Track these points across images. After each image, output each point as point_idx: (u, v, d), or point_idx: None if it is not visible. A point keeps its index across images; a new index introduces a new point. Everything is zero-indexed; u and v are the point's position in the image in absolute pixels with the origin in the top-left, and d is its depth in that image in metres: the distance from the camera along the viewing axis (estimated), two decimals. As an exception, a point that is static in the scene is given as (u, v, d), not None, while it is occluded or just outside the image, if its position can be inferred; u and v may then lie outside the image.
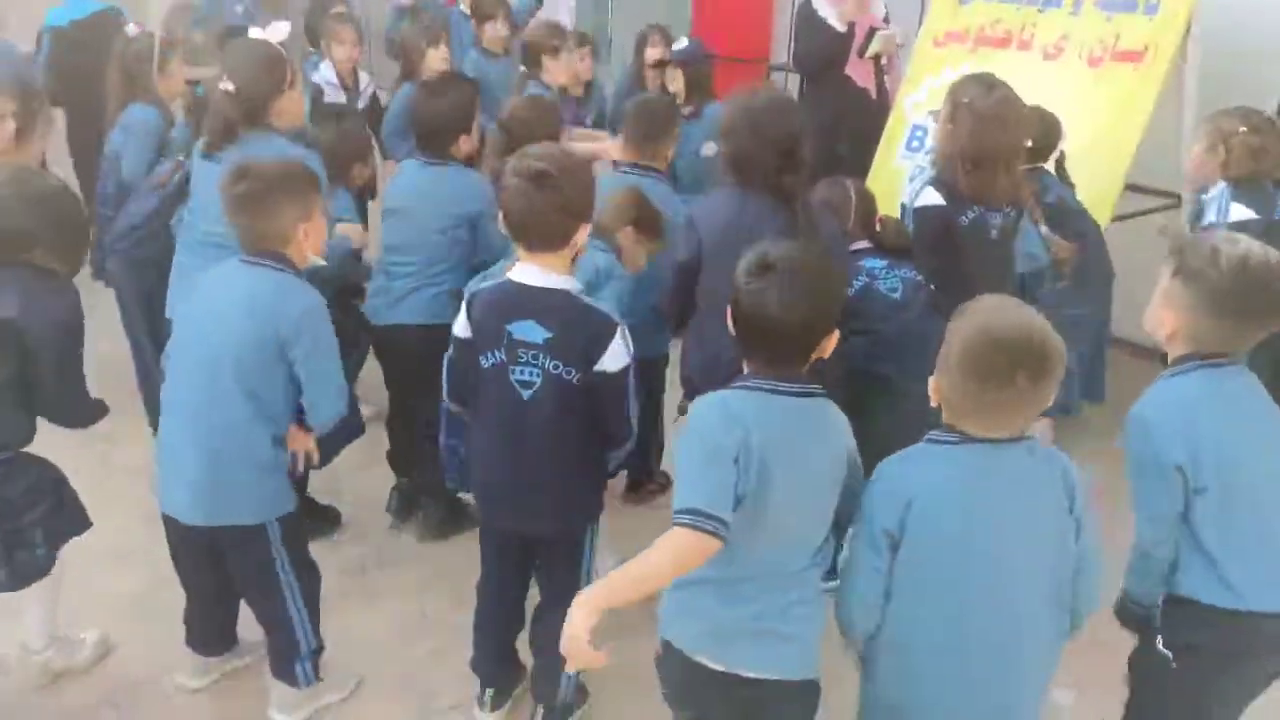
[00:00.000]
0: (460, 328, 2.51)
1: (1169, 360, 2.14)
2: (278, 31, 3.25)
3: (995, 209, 3.15)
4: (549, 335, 2.39)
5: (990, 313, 1.87)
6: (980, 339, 1.82)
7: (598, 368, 2.40)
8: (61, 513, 2.77)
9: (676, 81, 4.81)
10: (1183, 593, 2.13)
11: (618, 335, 2.41)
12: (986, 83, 3.09)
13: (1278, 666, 2.18)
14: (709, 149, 4.50)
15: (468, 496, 3.56)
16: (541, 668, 2.79)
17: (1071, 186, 4.10)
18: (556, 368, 2.41)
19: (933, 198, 3.14)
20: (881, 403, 2.97)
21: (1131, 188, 4.41)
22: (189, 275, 3.10)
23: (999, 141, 3.06)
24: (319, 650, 2.81)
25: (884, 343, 3.08)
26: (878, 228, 3.44)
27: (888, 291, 3.20)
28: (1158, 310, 2.13)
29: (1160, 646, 2.17)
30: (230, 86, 3.10)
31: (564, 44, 4.87)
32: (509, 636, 2.86)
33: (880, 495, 1.93)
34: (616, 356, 2.41)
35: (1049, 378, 1.80)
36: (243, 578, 2.74)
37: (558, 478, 2.53)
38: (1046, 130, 3.85)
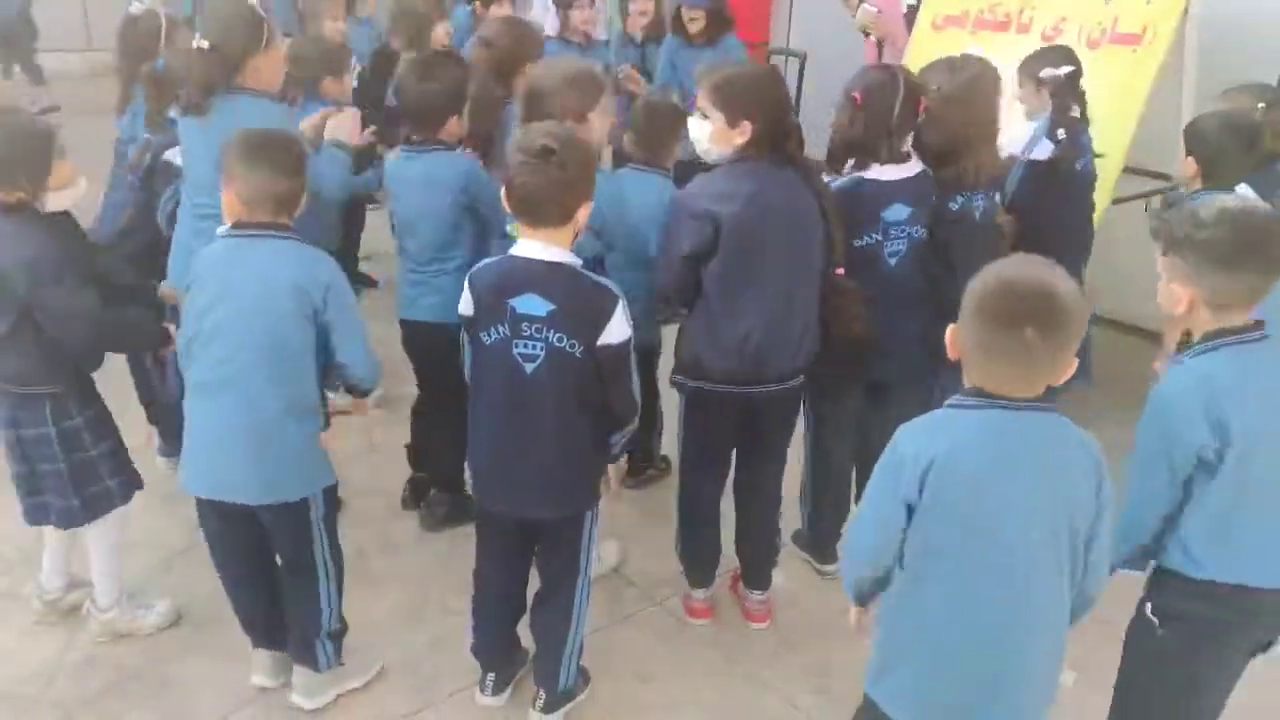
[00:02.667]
0: (465, 305, 2.53)
1: (1196, 338, 2.14)
2: None
3: (978, 192, 3.18)
4: (552, 308, 2.42)
5: (1013, 264, 1.90)
6: (996, 285, 1.84)
7: (601, 340, 2.44)
8: (124, 453, 2.87)
9: (698, 22, 4.81)
10: (1173, 566, 2.16)
11: (619, 307, 2.45)
12: (953, 66, 3.14)
13: (1267, 636, 2.22)
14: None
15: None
16: (543, 653, 2.79)
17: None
18: (560, 340, 2.43)
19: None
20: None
21: (1130, 170, 4.41)
22: (188, 250, 3.03)
23: (968, 124, 3.09)
24: (342, 631, 2.82)
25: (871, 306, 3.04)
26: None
27: (888, 256, 3.06)
28: (1168, 288, 2.14)
29: (1148, 613, 2.22)
30: (205, 44, 3.03)
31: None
32: (509, 623, 2.87)
33: (896, 464, 1.92)
34: (619, 328, 2.45)
35: (1060, 334, 1.80)
36: (282, 555, 2.74)
37: (560, 459, 2.54)
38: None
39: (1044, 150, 3.70)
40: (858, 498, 3.47)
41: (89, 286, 2.71)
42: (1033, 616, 1.92)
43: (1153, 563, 2.23)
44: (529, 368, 2.46)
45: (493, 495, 2.67)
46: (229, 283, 2.52)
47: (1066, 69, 3.76)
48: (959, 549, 1.90)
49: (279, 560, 2.76)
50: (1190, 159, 3.19)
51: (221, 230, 2.57)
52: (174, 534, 3.54)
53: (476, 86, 3.39)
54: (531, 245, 2.45)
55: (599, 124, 3.07)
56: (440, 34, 4.87)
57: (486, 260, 2.57)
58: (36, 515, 2.94)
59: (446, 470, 3.60)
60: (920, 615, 1.98)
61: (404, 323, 3.47)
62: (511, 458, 2.56)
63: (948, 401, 1.94)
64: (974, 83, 3.11)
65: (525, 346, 2.45)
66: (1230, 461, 2.05)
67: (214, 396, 2.56)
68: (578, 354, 2.44)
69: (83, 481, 2.82)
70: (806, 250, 2.85)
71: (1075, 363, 1.85)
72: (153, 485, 3.73)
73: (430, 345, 3.36)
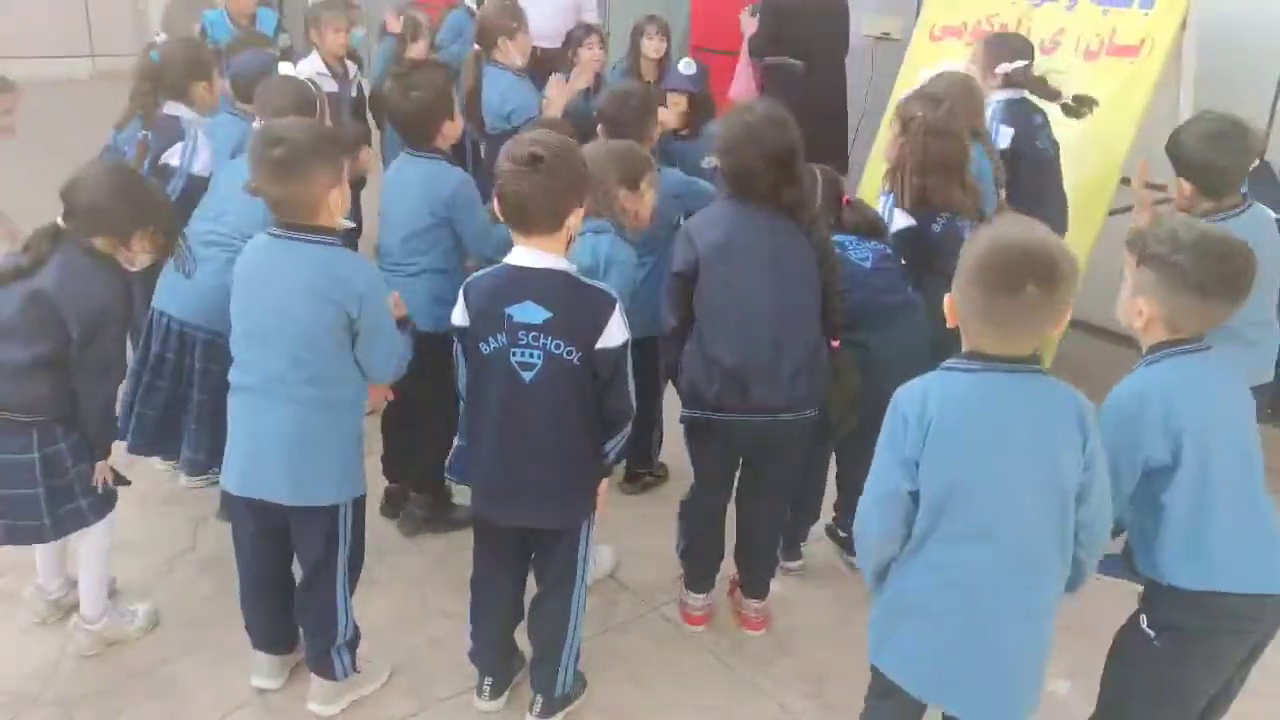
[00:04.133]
0: (459, 316, 2.55)
1: (1144, 349, 2.20)
2: None
3: (964, 216, 3.29)
4: (549, 315, 2.44)
5: (1006, 227, 1.97)
6: (992, 247, 1.91)
7: (600, 344, 2.46)
8: (90, 476, 2.86)
9: (679, 105, 4.63)
10: (1161, 578, 2.18)
11: (616, 310, 2.47)
12: (933, 97, 3.33)
13: (1257, 639, 2.24)
14: (709, 162, 4.55)
15: (458, 497, 3.61)
16: (540, 658, 2.81)
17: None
18: (558, 347, 2.45)
19: (902, 220, 3.33)
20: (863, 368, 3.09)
21: (1127, 181, 4.42)
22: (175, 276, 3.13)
23: (949, 151, 3.26)
24: (356, 639, 2.83)
25: (856, 310, 3.14)
26: (844, 211, 3.45)
27: (858, 260, 3.24)
28: (1131, 300, 2.19)
29: (1143, 625, 2.24)
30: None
31: (521, 25, 4.74)
32: (508, 629, 2.87)
33: (899, 428, 1.98)
34: (617, 331, 2.48)
35: (1059, 287, 1.86)
36: (305, 560, 2.74)
37: (559, 467, 2.56)
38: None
39: (1005, 139, 3.83)
40: (837, 501, 3.57)
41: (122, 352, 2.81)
42: (1023, 573, 1.98)
43: (1144, 579, 2.26)
44: (527, 376, 2.47)
45: (494, 505, 2.68)
46: (267, 284, 2.54)
47: (1021, 63, 3.94)
48: (953, 508, 1.95)
49: (300, 567, 2.76)
50: (1183, 181, 3.12)
51: (269, 230, 2.58)
52: (174, 535, 3.56)
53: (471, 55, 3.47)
54: (525, 253, 2.47)
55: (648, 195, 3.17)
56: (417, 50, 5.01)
57: (482, 271, 2.58)
58: None
59: (425, 474, 3.60)
60: (916, 578, 2.04)
61: None
62: (512, 468, 2.57)
63: (943, 364, 2.00)
64: (953, 116, 3.29)
65: (523, 355, 2.46)
66: (1189, 469, 2.10)
67: (253, 397, 2.58)
68: (575, 360, 2.46)
69: (56, 503, 2.78)
70: (791, 292, 2.86)
71: (1070, 310, 1.92)
72: (153, 486, 3.77)
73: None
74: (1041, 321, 1.91)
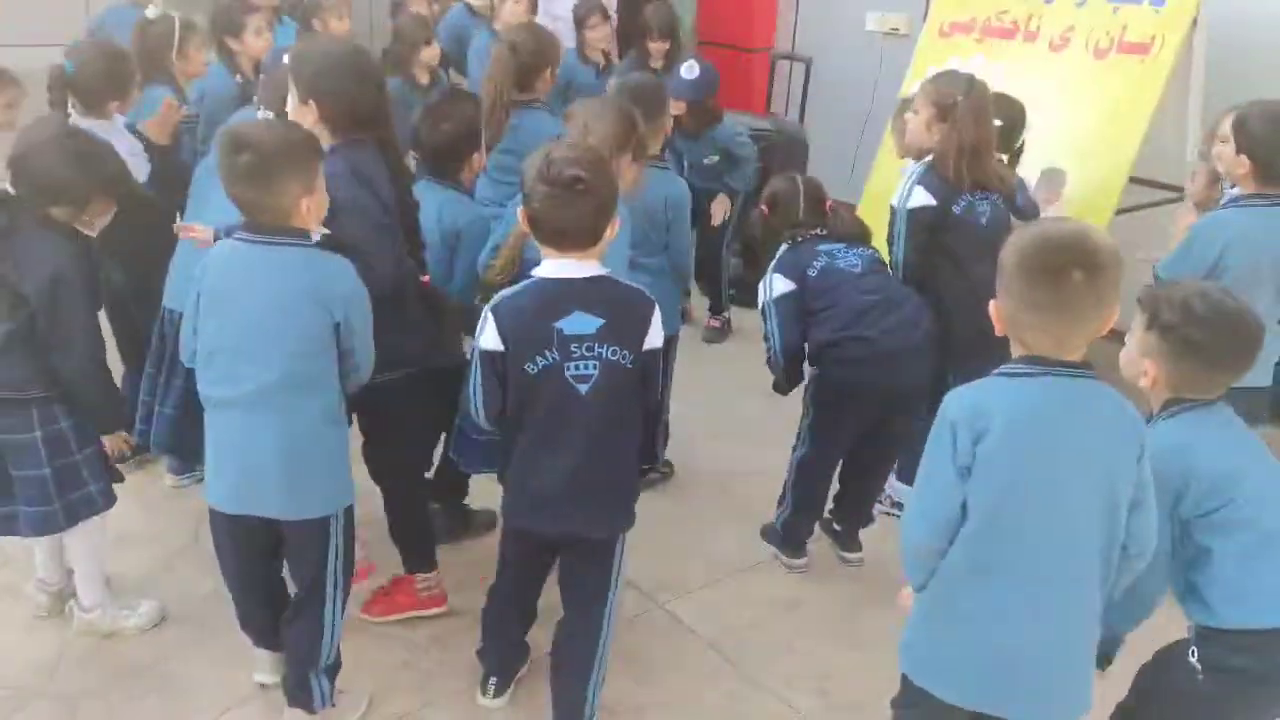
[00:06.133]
0: (490, 340, 2.40)
1: (1156, 407, 2.19)
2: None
3: (989, 192, 3.39)
4: (601, 323, 2.38)
5: (1045, 223, 1.98)
6: (1034, 241, 1.90)
7: (646, 346, 2.44)
8: (105, 457, 2.85)
9: (677, 109, 4.56)
10: (1214, 621, 2.14)
11: (656, 311, 2.46)
12: (965, 78, 3.37)
13: None
14: (711, 160, 4.95)
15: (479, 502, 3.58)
16: (568, 681, 2.70)
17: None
18: (614, 354, 2.40)
19: (923, 198, 3.36)
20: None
21: (1135, 181, 4.41)
22: (187, 267, 3.01)
23: (990, 130, 3.36)
24: (337, 667, 2.74)
25: (851, 310, 3.20)
26: (828, 215, 3.49)
27: (847, 267, 3.29)
28: (1137, 360, 2.18)
29: (1192, 659, 2.17)
30: (270, 114, 2.98)
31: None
32: (521, 634, 2.85)
33: (949, 432, 1.94)
34: (658, 332, 2.47)
35: (1103, 276, 1.84)
36: (295, 573, 2.67)
37: (612, 473, 2.51)
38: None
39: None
40: (838, 494, 3.59)
41: (94, 315, 2.76)
42: (1071, 579, 1.95)
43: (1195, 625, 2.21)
44: (583, 389, 2.39)
45: (541, 518, 2.56)
46: (243, 294, 2.43)
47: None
48: (1005, 515, 1.92)
49: (292, 584, 2.71)
50: (1243, 157, 3.14)
51: (235, 235, 2.48)
52: (174, 532, 3.55)
53: (492, 86, 3.41)
54: (563, 265, 2.40)
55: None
56: (428, 56, 4.98)
57: (506, 292, 2.46)
58: (4, 526, 2.88)
59: (446, 484, 3.56)
60: (961, 586, 2.00)
61: None
62: (565, 480, 2.47)
63: (997, 370, 1.96)
64: (987, 93, 3.37)
65: (578, 368, 2.39)
66: (1220, 517, 2.08)
67: (238, 412, 2.48)
68: (629, 364, 2.41)
69: (66, 486, 2.77)
70: None
71: (1117, 311, 1.90)
72: (153, 483, 3.76)
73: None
74: (1089, 311, 1.87)
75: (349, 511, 2.64)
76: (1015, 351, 1.97)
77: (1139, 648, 2.33)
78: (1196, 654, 2.17)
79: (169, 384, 3.27)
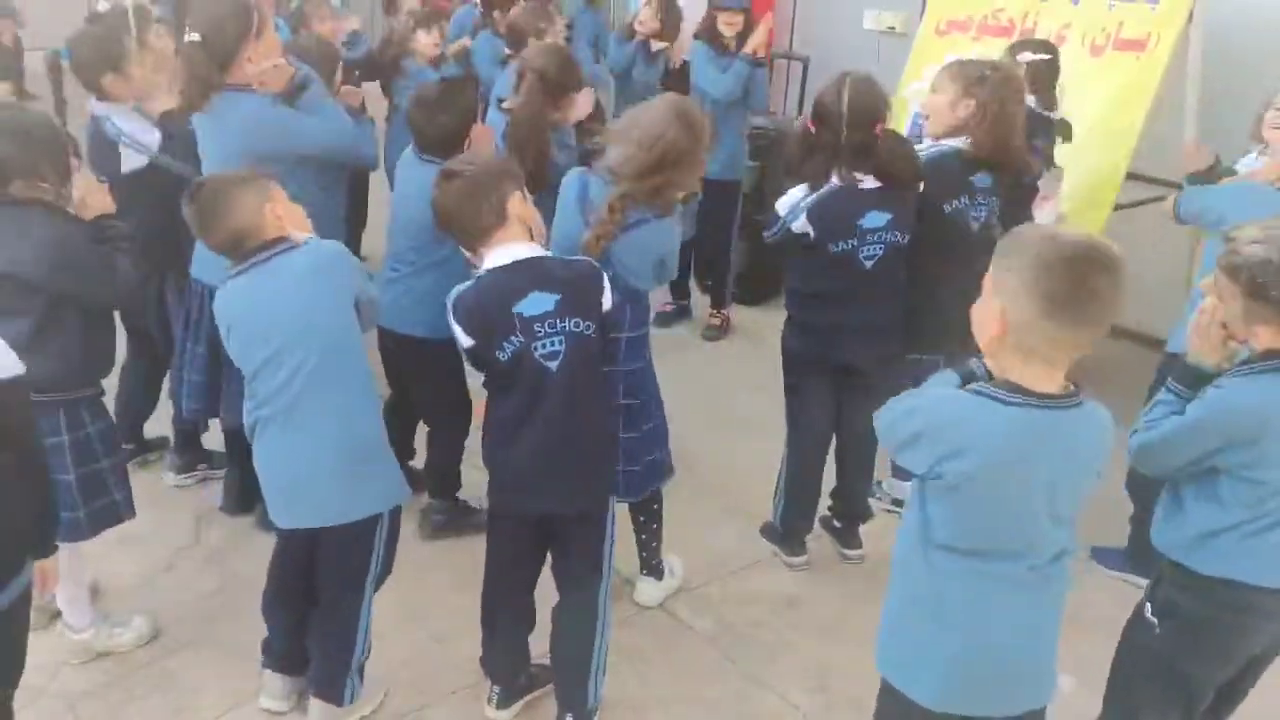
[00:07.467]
0: (463, 339, 2.48)
1: (1253, 357, 2.17)
2: None
3: (989, 197, 3.35)
4: (558, 297, 2.43)
5: (1049, 230, 1.93)
6: (1060, 250, 1.78)
7: (604, 307, 2.52)
8: (125, 467, 2.85)
9: (735, 26, 4.90)
10: (1176, 555, 2.22)
11: (604, 275, 2.55)
12: (983, 63, 3.40)
13: (1260, 644, 2.26)
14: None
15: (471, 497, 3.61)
16: (567, 670, 2.73)
17: None
18: (577, 325, 2.45)
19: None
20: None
21: (1133, 176, 4.41)
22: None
23: (1022, 105, 3.37)
24: (364, 661, 2.75)
25: (832, 298, 3.21)
26: (879, 139, 3.14)
27: (864, 260, 3.14)
28: (1248, 329, 2.16)
29: (1147, 614, 2.28)
30: (196, 36, 3.00)
31: (550, 27, 4.74)
32: (520, 635, 2.81)
33: (928, 443, 1.89)
34: (609, 291, 2.54)
35: (1120, 278, 1.78)
36: (334, 578, 2.65)
37: (587, 446, 2.55)
38: None
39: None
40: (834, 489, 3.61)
41: (111, 264, 2.72)
42: (1034, 578, 1.95)
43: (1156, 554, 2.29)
44: (553, 366, 2.43)
45: (520, 498, 2.59)
46: (269, 310, 2.45)
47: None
48: (976, 536, 1.91)
49: (325, 585, 2.68)
50: None
51: (230, 275, 2.50)
52: (175, 532, 3.56)
53: (528, 112, 3.41)
54: (502, 252, 2.47)
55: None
56: (424, 42, 5.01)
57: (460, 288, 2.49)
58: None
59: (440, 478, 3.59)
60: (925, 586, 1.99)
61: (387, 333, 3.34)
62: (542, 457, 2.50)
63: (977, 390, 1.86)
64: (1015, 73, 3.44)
65: (546, 346, 2.43)
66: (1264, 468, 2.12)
67: (291, 426, 2.48)
68: (593, 333, 2.48)
69: (91, 494, 2.77)
70: None
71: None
72: (154, 483, 3.76)
73: (418, 359, 3.32)
74: (1107, 318, 1.81)
75: (396, 513, 2.65)
76: (994, 367, 1.89)
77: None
78: (1150, 607, 2.27)
79: (194, 352, 3.32)
